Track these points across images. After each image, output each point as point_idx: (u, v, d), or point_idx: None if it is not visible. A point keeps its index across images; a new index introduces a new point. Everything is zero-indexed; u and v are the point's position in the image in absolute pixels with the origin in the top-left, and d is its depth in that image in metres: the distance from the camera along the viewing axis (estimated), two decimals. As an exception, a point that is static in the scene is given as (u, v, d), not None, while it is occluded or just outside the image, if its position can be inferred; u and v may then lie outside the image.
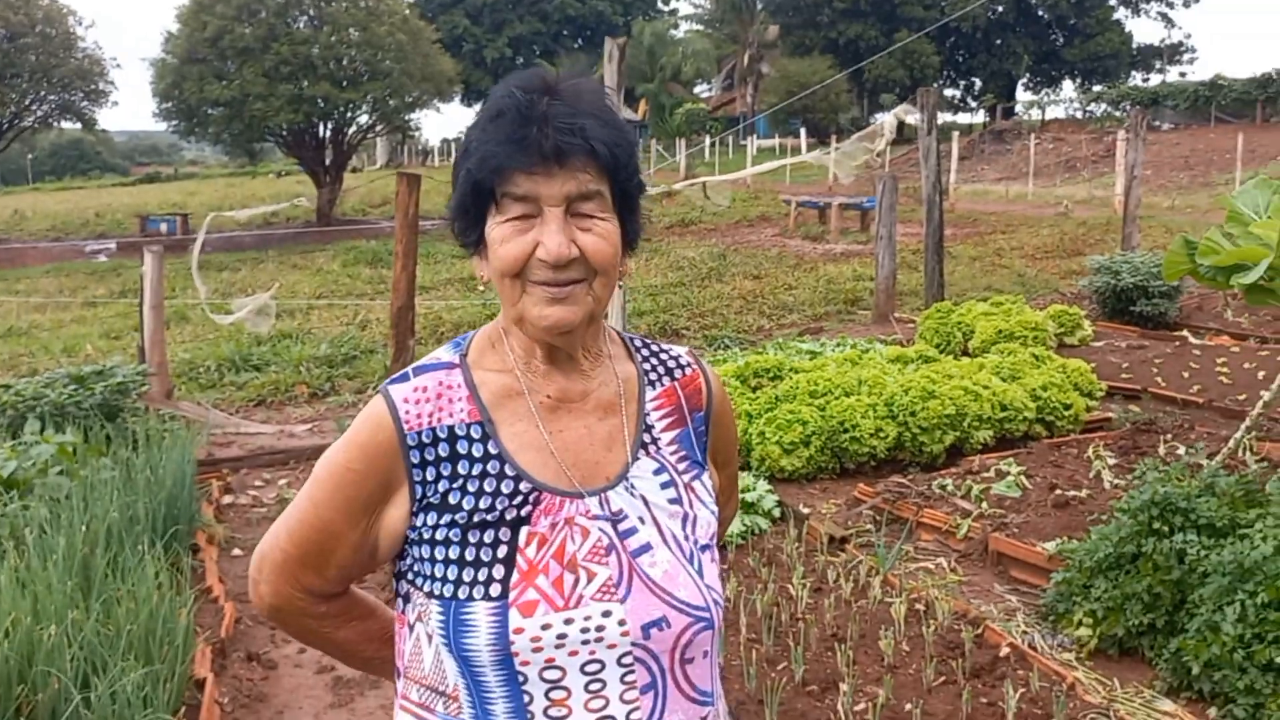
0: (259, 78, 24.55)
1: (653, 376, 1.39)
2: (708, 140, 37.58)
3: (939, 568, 4.57)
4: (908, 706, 3.33)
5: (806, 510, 5.18)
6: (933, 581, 4.40)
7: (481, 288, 1.29)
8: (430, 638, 1.27)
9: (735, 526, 4.93)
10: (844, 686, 3.41)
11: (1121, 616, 3.70)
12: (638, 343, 1.42)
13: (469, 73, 51.98)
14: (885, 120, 9.43)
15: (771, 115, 43.91)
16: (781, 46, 52.71)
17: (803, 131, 43.06)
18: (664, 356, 1.41)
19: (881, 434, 5.68)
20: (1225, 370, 7.48)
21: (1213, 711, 3.33)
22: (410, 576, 1.29)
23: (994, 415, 5.94)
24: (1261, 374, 7.28)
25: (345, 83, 25.95)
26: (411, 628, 1.31)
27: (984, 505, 4.97)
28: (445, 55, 30.60)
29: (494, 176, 1.19)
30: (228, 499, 5.91)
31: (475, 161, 1.19)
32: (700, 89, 60.51)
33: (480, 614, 1.21)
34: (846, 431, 5.67)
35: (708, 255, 16.53)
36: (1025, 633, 3.92)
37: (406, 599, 1.31)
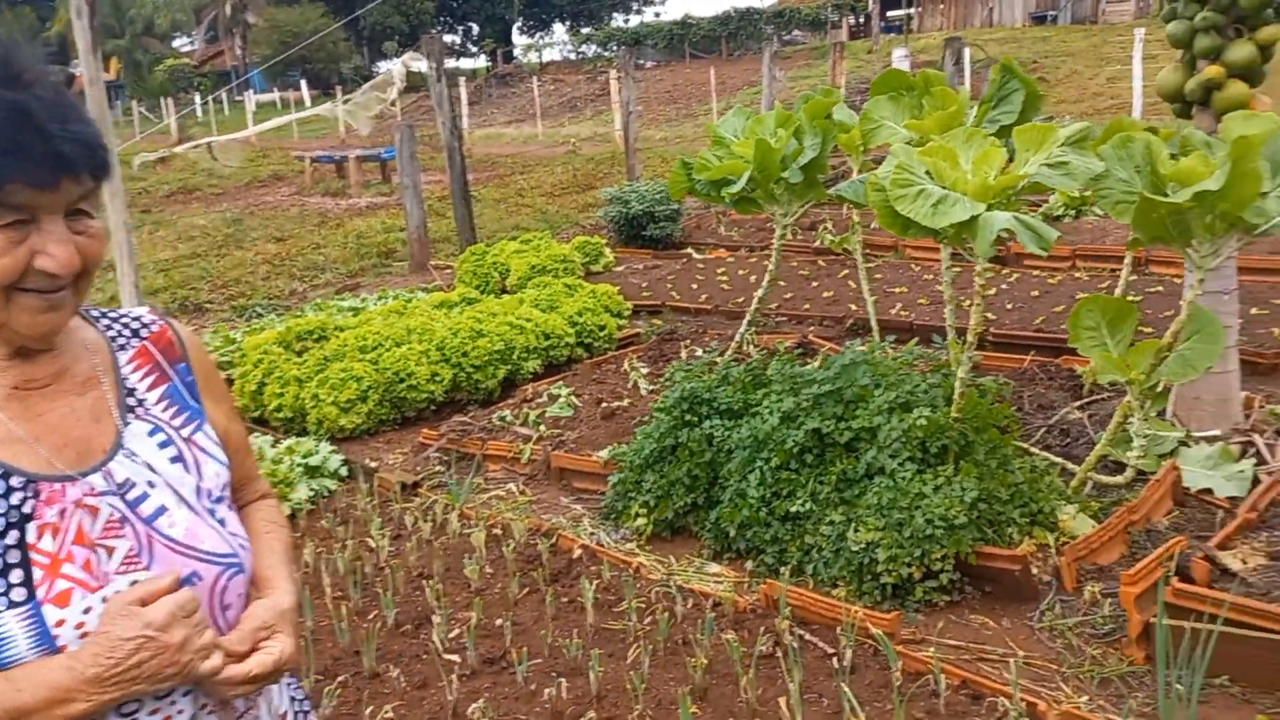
0: None
1: (120, 341, 1.37)
2: (198, 98, 34.81)
3: (510, 493, 4.83)
4: (499, 621, 3.53)
5: (374, 464, 5.19)
6: (506, 506, 4.65)
7: None
8: None
9: (303, 492, 4.82)
10: (436, 619, 3.52)
11: (669, 502, 4.19)
12: (95, 312, 1.39)
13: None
14: (394, 69, 9.42)
15: (268, 68, 41.69)
16: (266, -6, 49.96)
17: (303, 83, 41.37)
18: (126, 320, 1.40)
19: (437, 378, 5.80)
20: (725, 279, 8.54)
21: (749, 564, 3.90)
22: None
23: (539, 345, 6.31)
24: (753, 278, 8.42)
25: None
26: None
27: (542, 429, 5.30)
28: None
29: None
30: None
31: None
32: (180, 43, 55.82)
33: (12, 624, 1.13)
34: (403, 381, 5.72)
35: (221, 221, 15.44)
36: (593, 534, 4.30)
37: None
